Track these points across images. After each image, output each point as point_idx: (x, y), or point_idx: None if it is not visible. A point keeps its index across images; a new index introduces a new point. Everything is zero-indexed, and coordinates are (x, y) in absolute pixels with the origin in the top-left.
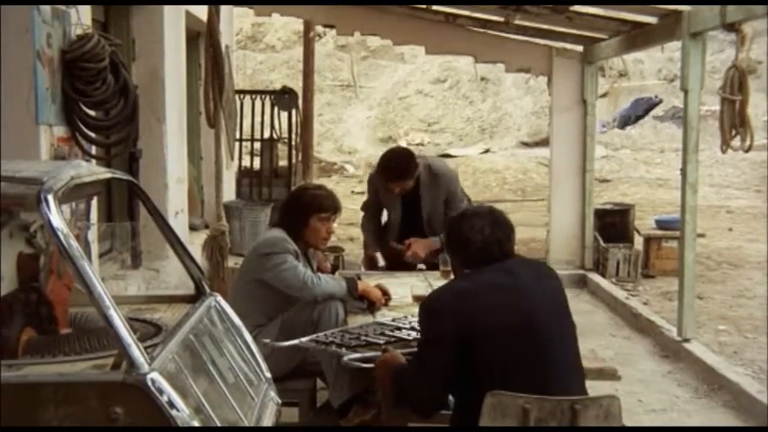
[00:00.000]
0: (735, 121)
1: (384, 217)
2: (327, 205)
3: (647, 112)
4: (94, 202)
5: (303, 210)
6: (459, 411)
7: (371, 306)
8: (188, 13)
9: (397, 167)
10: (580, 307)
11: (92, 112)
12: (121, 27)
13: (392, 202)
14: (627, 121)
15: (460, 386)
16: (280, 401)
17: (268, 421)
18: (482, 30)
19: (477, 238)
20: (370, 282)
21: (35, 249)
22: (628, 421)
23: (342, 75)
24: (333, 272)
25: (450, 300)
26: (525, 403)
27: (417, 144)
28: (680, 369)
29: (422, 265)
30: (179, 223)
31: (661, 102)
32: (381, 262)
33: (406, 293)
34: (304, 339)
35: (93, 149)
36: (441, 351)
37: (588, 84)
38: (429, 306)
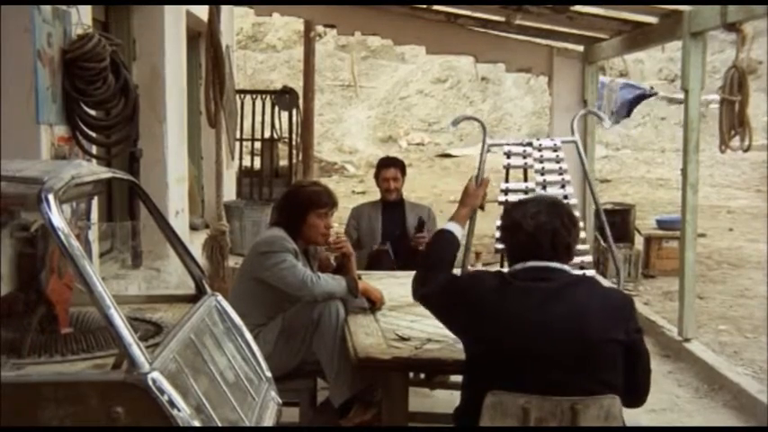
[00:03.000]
0: (734, 122)
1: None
2: (324, 201)
3: (637, 100)
4: (95, 201)
5: (300, 207)
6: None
7: (372, 305)
8: (188, 13)
9: (391, 158)
10: None
11: (92, 112)
12: (122, 27)
13: (373, 227)
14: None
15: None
16: (280, 401)
17: (269, 421)
18: (483, 30)
19: (530, 224)
20: (369, 279)
21: (35, 249)
22: (628, 421)
23: (342, 74)
24: (337, 271)
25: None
26: (525, 403)
27: (417, 144)
28: (680, 369)
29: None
30: (179, 223)
31: (656, 94)
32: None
33: (406, 293)
34: None
35: (94, 149)
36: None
37: (589, 84)
38: (460, 278)
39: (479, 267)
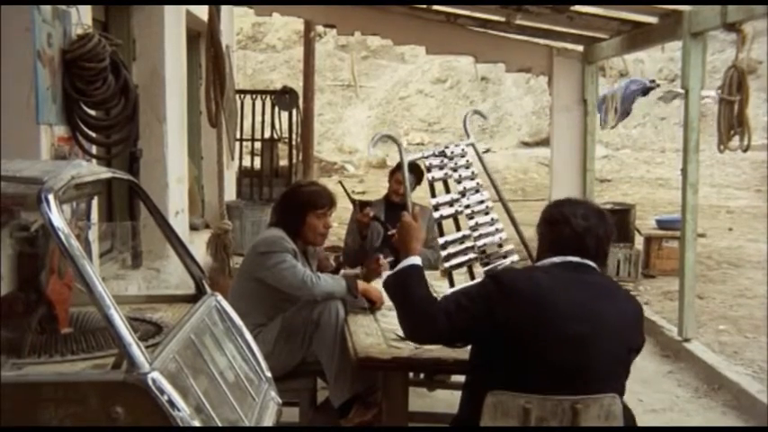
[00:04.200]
0: (733, 122)
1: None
2: (322, 201)
3: (643, 92)
4: (95, 201)
5: (299, 207)
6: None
7: (372, 305)
8: (188, 13)
9: (411, 162)
10: None
11: (92, 112)
12: (122, 27)
13: (374, 224)
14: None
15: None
16: (280, 401)
17: (269, 421)
18: (482, 29)
19: (580, 224)
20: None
21: (35, 249)
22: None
23: (342, 74)
24: (336, 271)
25: (516, 290)
26: (526, 403)
27: (418, 144)
28: (680, 369)
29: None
30: (179, 223)
31: (658, 86)
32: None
33: None
34: None
35: (94, 149)
36: (471, 313)
37: (589, 83)
38: (497, 277)
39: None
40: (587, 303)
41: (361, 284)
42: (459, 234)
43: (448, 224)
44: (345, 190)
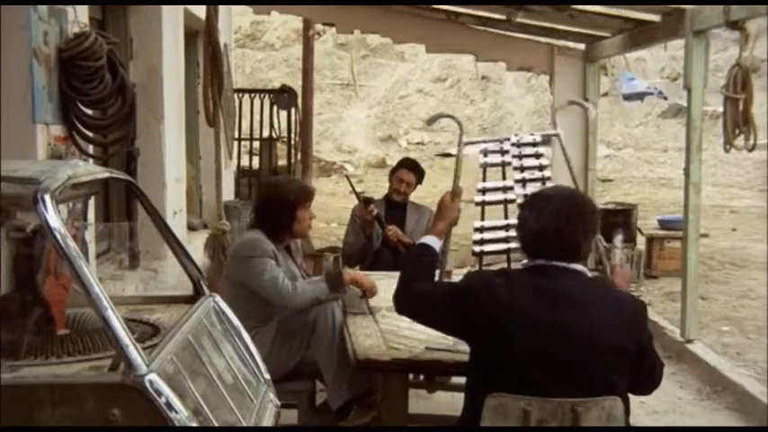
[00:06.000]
0: (738, 121)
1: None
2: (309, 193)
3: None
4: (92, 201)
5: (290, 204)
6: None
7: (364, 294)
8: (186, 12)
9: (413, 162)
10: None
11: (89, 111)
12: (119, 25)
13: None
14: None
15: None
16: (279, 403)
17: (267, 423)
18: (483, 28)
19: (535, 222)
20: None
21: (32, 250)
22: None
23: (341, 73)
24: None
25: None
26: (526, 405)
27: (417, 143)
28: (683, 370)
29: None
30: (177, 223)
31: (665, 98)
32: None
33: None
34: None
35: (91, 148)
36: (444, 312)
37: (590, 82)
38: (466, 284)
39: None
40: (542, 312)
41: (348, 275)
42: (503, 222)
43: (494, 211)
44: (351, 185)
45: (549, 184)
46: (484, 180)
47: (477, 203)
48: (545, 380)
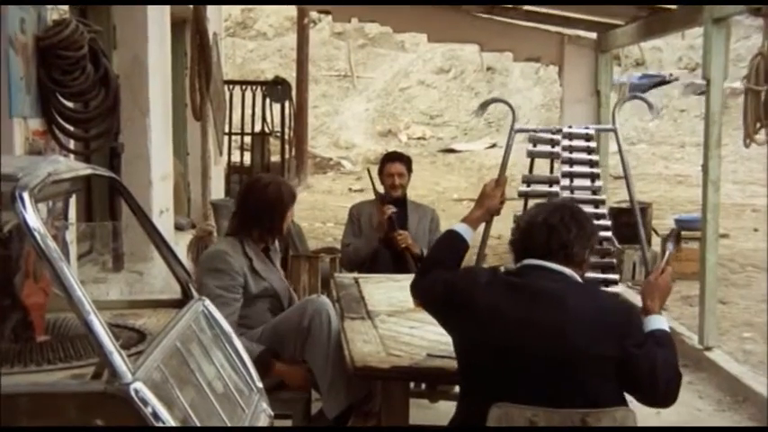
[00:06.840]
0: (760, 114)
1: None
2: (295, 192)
3: (654, 86)
4: (73, 200)
5: (283, 205)
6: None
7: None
8: None
9: (396, 152)
10: None
11: (70, 104)
12: (101, 12)
13: (373, 225)
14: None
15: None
16: (272, 413)
17: None
18: (488, 16)
19: (524, 221)
20: (367, 282)
21: (9, 251)
22: None
23: (338, 64)
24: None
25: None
26: (533, 416)
27: (419, 138)
28: (701, 379)
29: None
30: (164, 223)
31: (676, 80)
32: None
33: (405, 298)
34: None
35: (72, 144)
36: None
37: (602, 74)
38: (454, 281)
39: None
40: (517, 311)
41: (278, 366)
42: None
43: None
44: (372, 180)
45: (597, 182)
46: (531, 170)
47: (521, 195)
48: (514, 377)
